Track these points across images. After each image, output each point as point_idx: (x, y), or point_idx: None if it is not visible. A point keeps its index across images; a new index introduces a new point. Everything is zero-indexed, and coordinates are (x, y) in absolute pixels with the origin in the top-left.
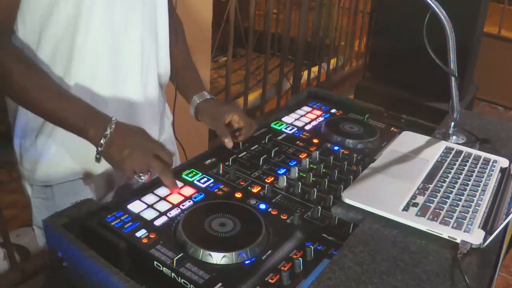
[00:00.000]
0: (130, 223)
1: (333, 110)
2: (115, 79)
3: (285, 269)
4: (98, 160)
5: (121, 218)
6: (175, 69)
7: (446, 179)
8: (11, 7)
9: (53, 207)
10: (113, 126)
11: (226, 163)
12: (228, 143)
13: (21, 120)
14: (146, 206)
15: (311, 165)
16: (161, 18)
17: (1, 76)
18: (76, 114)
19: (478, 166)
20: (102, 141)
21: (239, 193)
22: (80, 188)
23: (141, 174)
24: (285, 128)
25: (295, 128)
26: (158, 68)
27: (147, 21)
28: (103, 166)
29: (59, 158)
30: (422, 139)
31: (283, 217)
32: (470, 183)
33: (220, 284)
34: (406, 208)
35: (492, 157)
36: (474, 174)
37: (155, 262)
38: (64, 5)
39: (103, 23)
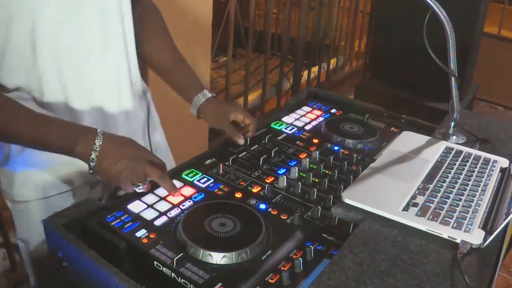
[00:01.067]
0: (130, 223)
1: (333, 110)
2: (86, 91)
3: (285, 269)
4: (93, 174)
5: (121, 218)
6: (163, 65)
7: (446, 179)
8: None
9: (33, 221)
10: (100, 138)
11: (226, 163)
12: (240, 140)
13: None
14: (146, 206)
15: (311, 165)
16: (127, 22)
17: None
18: (59, 135)
19: (478, 166)
20: (93, 156)
21: (239, 193)
22: (58, 203)
23: (139, 184)
24: (285, 128)
25: (295, 128)
26: (131, 78)
27: (108, 30)
28: (80, 177)
29: (34, 174)
30: (422, 139)
31: (283, 217)
32: (470, 183)
33: (220, 284)
34: (406, 208)
35: (492, 157)
36: (474, 174)
37: (155, 262)
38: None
39: (59, 41)
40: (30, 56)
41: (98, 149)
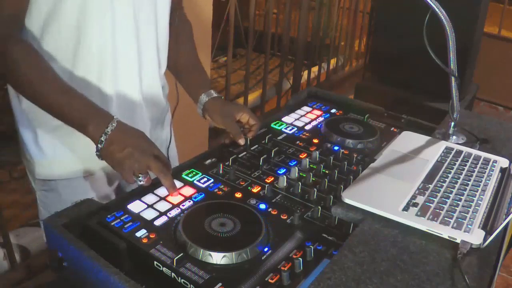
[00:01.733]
0: (130, 223)
1: (333, 110)
2: (115, 76)
3: (285, 269)
4: (99, 157)
5: (121, 218)
6: (180, 69)
7: (446, 179)
8: (22, 1)
9: (57, 199)
10: (114, 124)
11: (226, 163)
12: (241, 141)
13: (24, 115)
14: (146, 206)
15: (311, 165)
16: (161, 18)
17: (10, 69)
18: (78, 109)
19: (478, 166)
20: (102, 138)
21: (239, 193)
22: (82, 185)
23: (140, 176)
24: (285, 128)
25: (295, 128)
26: (159, 68)
27: (145, 21)
28: (104, 164)
29: (60, 156)
30: (422, 139)
31: (283, 217)
32: (470, 183)
33: (220, 284)
34: (406, 208)
35: (492, 157)
36: (474, 174)
37: (155, 262)
38: (68, 3)
39: (105, 23)
40: (74, 32)
41: (108, 133)
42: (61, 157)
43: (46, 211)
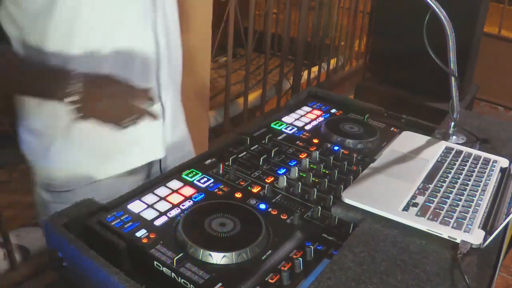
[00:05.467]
0: (130, 223)
1: (333, 110)
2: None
3: (285, 269)
4: (78, 118)
5: (121, 218)
6: None
7: (446, 179)
8: None
9: None
10: (79, 77)
11: (226, 163)
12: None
13: (33, 129)
14: (146, 206)
15: (311, 165)
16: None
17: None
18: (39, 77)
19: (478, 166)
20: (72, 98)
21: (239, 193)
22: (102, 188)
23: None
24: (285, 128)
25: (295, 128)
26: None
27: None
28: (122, 161)
29: (78, 161)
30: (422, 139)
31: (283, 217)
32: (470, 183)
33: (220, 284)
34: (406, 208)
35: (492, 157)
36: (474, 174)
37: (155, 262)
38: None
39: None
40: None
41: (77, 90)
42: (78, 162)
43: None
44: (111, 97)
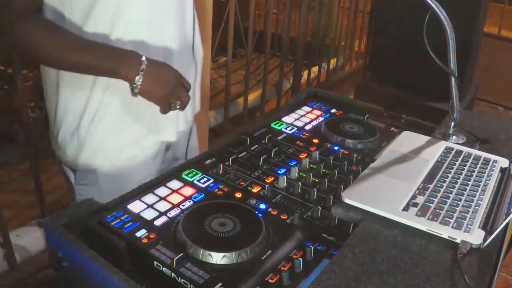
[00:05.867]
0: (130, 223)
1: (333, 110)
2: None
3: (285, 269)
4: (136, 95)
5: (121, 218)
6: None
7: (446, 179)
8: None
9: (97, 192)
10: (145, 62)
11: (226, 163)
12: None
13: (62, 110)
14: (146, 206)
15: (311, 165)
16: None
17: (32, 47)
18: (104, 57)
19: (478, 166)
20: (137, 78)
21: (239, 193)
22: (124, 170)
23: (177, 104)
24: (285, 128)
25: (295, 128)
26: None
27: (180, 17)
28: (147, 143)
29: (103, 140)
30: (422, 139)
31: (283, 217)
32: (470, 183)
33: (220, 284)
34: (406, 208)
35: (492, 157)
36: (474, 174)
37: (155, 262)
38: None
39: (142, 16)
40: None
41: (142, 73)
42: (103, 142)
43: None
44: (167, 80)
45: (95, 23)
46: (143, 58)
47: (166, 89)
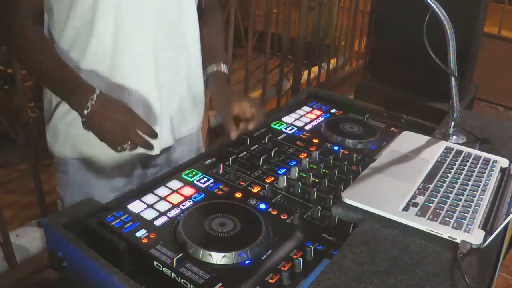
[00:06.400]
0: (130, 223)
1: (333, 110)
2: (127, 71)
3: (285, 269)
4: (85, 128)
5: (121, 218)
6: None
7: (446, 179)
8: None
9: (68, 182)
10: (94, 98)
11: (226, 163)
12: (233, 134)
13: (46, 98)
14: (146, 206)
15: (311, 165)
16: (186, 14)
17: (22, 58)
18: (65, 83)
19: (478, 166)
20: (84, 112)
21: (239, 193)
22: (92, 164)
23: (125, 146)
24: (285, 128)
25: (295, 128)
26: (188, 60)
27: (165, 16)
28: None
29: (72, 134)
30: (422, 139)
31: (283, 217)
32: (470, 183)
33: (220, 284)
34: (406, 208)
35: (492, 157)
36: (474, 174)
37: (155, 262)
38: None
39: (114, 18)
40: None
41: (89, 107)
42: (71, 135)
43: (61, 191)
44: (115, 120)
45: (72, 27)
46: (94, 95)
47: (107, 130)
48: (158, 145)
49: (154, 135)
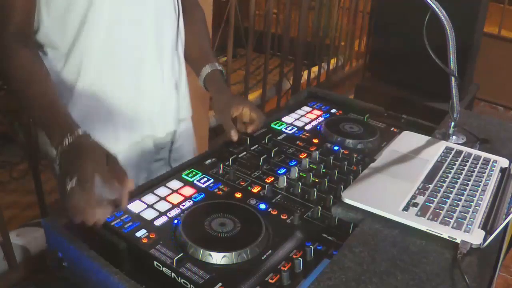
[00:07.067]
0: (130, 223)
1: (333, 110)
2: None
3: (285, 269)
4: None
5: (121, 218)
6: (192, 60)
7: (446, 179)
8: (27, 8)
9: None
10: (69, 140)
11: (226, 163)
12: (234, 136)
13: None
14: (146, 206)
15: (311, 165)
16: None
17: (9, 80)
18: (46, 122)
19: (478, 166)
20: (60, 149)
21: (239, 193)
22: None
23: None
24: (285, 128)
25: (295, 128)
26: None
27: (153, 17)
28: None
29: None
30: (422, 139)
31: (283, 217)
32: (470, 183)
33: (220, 284)
34: (406, 208)
35: (492, 157)
36: (474, 174)
37: (155, 262)
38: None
39: (112, 18)
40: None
41: (61, 149)
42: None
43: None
44: (88, 160)
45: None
46: (71, 136)
47: (81, 169)
48: (163, 129)
49: (124, 178)
